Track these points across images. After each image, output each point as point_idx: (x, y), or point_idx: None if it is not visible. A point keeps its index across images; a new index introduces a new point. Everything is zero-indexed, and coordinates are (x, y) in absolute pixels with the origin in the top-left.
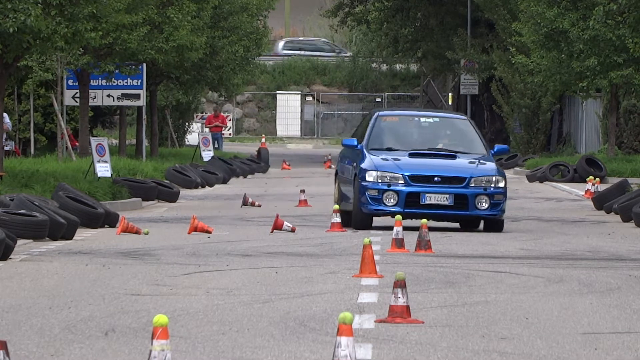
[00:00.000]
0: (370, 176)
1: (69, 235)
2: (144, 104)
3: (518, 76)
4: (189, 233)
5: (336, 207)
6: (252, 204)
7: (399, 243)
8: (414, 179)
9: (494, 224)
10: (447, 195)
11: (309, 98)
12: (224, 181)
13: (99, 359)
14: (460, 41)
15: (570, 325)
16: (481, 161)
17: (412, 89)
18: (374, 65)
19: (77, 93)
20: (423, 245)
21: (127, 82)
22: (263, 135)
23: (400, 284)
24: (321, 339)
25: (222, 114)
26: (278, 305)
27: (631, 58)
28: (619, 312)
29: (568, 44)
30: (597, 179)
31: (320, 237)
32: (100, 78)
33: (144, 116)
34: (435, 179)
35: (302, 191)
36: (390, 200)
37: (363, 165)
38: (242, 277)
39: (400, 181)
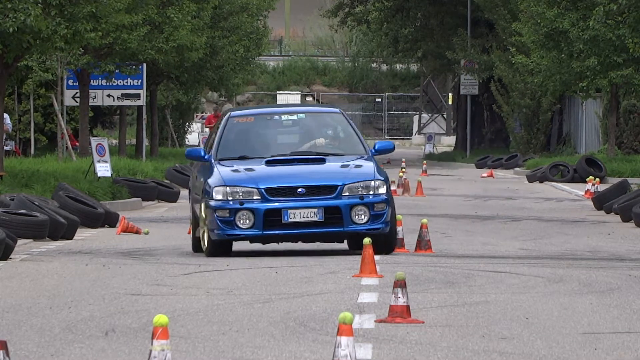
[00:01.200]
0: (218, 193)
1: (69, 235)
2: (144, 104)
3: (518, 76)
4: (189, 233)
5: None
6: None
7: (399, 243)
8: (273, 192)
9: (380, 241)
10: (315, 210)
11: (309, 98)
12: None
13: (99, 359)
14: (460, 41)
15: (570, 325)
16: (357, 164)
17: (412, 89)
18: (374, 65)
19: (77, 93)
20: (423, 245)
21: (127, 82)
22: None
23: (400, 284)
24: (321, 339)
25: (222, 114)
26: (278, 305)
27: (631, 58)
28: (619, 312)
29: (568, 44)
30: (597, 179)
31: None
32: (100, 78)
33: (144, 116)
34: (299, 190)
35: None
36: (244, 222)
37: (210, 181)
38: (242, 277)
39: (255, 197)
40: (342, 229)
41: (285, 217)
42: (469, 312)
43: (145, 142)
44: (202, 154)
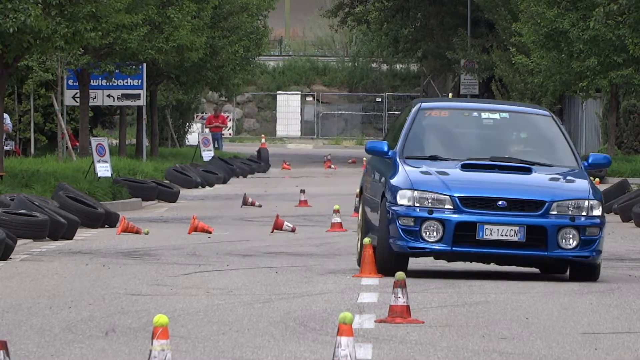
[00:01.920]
0: (404, 198)
1: (69, 235)
2: (144, 104)
3: (518, 76)
4: (189, 233)
5: (337, 207)
6: (252, 204)
7: None
8: (468, 202)
9: (586, 270)
10: (516, 228)
11: (309, 98)
12: (224, 181)
13: (99, 359)
14: (461, 41)
15: (570, 325)
16: (568, 177)
17: (412, 89)
18: (374, 65)
19: (77, 93)
20: None
21: (127, 82)
22: (263, 135)
23: (400, 284)
24: (321, 339)
25: (222, 114)
26: (278, 305)
27: (631, 58)
28: (619, 312)
29: (568, 44)
30: (597, 179)
31: (321, 237)
32: (100, 78)
33: (144, 116)
34: (500, 203)
35: (302, 191)
36: (432, 234)
37: (394, 182)
38: (242, 277)
39: (447, 205)
40: (545, 252)
41: (481, 233)
42: (469, 312)
43: (145, 142)
44: (385, 148)
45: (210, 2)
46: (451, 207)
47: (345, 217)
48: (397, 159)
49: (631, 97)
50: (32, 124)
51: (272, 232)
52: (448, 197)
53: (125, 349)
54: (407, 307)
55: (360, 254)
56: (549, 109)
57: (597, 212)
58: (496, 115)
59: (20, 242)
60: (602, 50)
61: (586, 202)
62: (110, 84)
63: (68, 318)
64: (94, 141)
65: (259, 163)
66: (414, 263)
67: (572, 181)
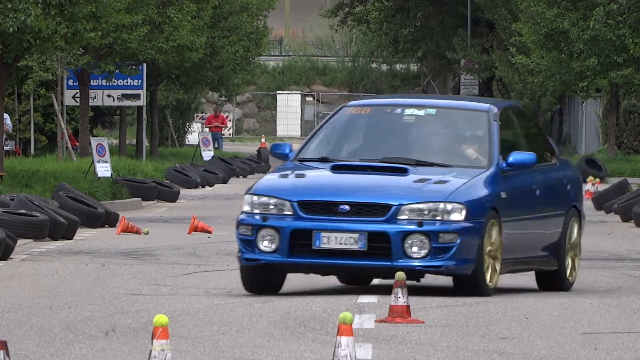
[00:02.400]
0: (246, 204)
1: (69, 235)
2: (144, 104)
3: (518, 76)
4: (189, 233)
5: None
6: None
7: None
8: (308, 207)
9: (463, 282)
10: (356, 235)
11: (309, 98)
12: (224, 181)
13: (99, 359)
14: (461, 41)
15: (570, 325)
16: (445, 178)
17: (412, 89)
18: (374, 65)
19: (77, 93)
20: None
21: (127, 82)
22: (263, 135)
23: (400, 284)
24: (321, 338)
25: (222, 114)
26: (278, 305)
27: (631, 58)
28: (619, 312)
29: (568, 44)
30: (597, 179)
31: None
32: (100, 78)
33: (144, 116)
34: (341, 207)
35: None
36: (267, 244)
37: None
38: None
39: (287, 211)
40: (389, 263)
41: (317, 242)
42: (469, 312)
43: (145, 142)
44: (287, 150)
45: (210, 2)
46: (290, 213)
47: None
48: (288, 161)
49: (631, 97)
50: (32, 124)
51: None
52: (287, 202)
53: (125, 349)
54: (407, 307)
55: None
56: (549, 110)
57: (457, 216)
58: (421, 112)
59: (20, 242)
60: (602, 50)
61: (441, 205)
62: (110, 84)
63: (68, 318)
64: (94, 141)
65: (259, 163)
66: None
67: (445, 182)
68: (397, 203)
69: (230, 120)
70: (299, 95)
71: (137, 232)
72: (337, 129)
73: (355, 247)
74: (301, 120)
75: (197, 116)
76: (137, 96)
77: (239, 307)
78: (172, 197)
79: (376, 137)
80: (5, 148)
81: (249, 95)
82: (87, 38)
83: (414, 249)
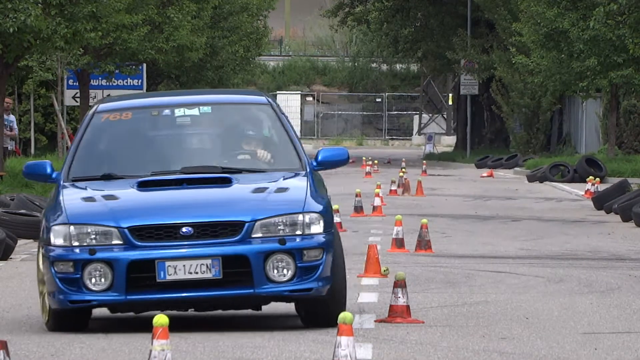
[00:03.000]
0: (59, 236)
1: None
2: None
3: (518, 76)
4: None
5: (336, 207)
6: None
7: (399, 243)
8: (143, 233)
9: (318, 308)
10: (208, 261)
11: (309, 98)
12: None
13: (99, 359)
14: (460, 41)
15: (570, 325)
16: (281, 185)
17: (412, 89)
18: (374, 65)
19: (77, 93)
20: (423, 245)
21: (127, 82)
22: None
23: (400, 284)
24: (321, 338)
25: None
26: (278, 305)
27: (631, 58)
28: (619, 312)
29: (568, 44)
30: (597, 179)
31: None
32: (100, 78)
33: None
34: (184, 230)
35: None
36: (98, 280)
37: (50, 216)
38: None
39: (116, 240)
40: (251, 290)
41: (162, 274)
42: (469, 312)
43: None
44: (48, 170)
45: (210, 2)
46: (121, 242)
47: (345, 217)
48: (60, 183)
49: (631, 97)
50: (32, 124)
51: None
52: (115, 229)
53: (125, 349)
54: (407, 307)
55: (47, 315)
56: (549, 110)
57: (317, 227)
58: (194, 111)
59: (20, 242)
60: (602, 50)
61: (300, 216)
62: (110, 84)
63: None
64: None
65: None
66: (416, 265)
67: (285, 189)
68: (249, 219)
69: None
70: (299, 95)
71: None
72: (101, 140)
73: (208, 275)
74: (301, 120)
75: None
76: None
77: None
78: None
79: (157, 145)
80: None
81: None
82: (87, 38)
83: (278, 271)
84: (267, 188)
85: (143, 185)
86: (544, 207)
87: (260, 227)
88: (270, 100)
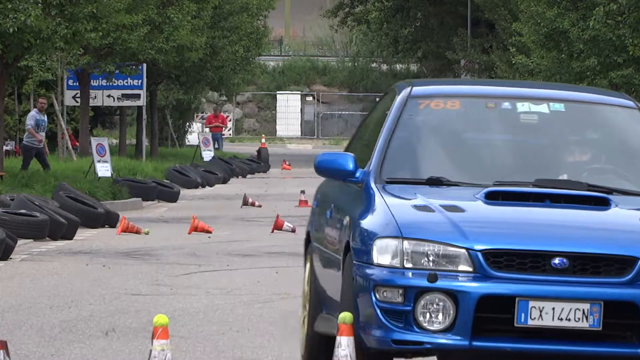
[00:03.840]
0: (385, 252)
1: (69, 235)
2: (144, 104)
3: (518, 76)
4: (189, 233)
5: None
6: (253, 204)
7: None
8: (501, 261)
9: None
10: (585, 306)
11: (309, 98)
12: (224, 181)
13: (99, 359)
14: (461, 41)
15: None
16: None
17: None
18: (374, 65)
19: (77, 93)
20: None
21: (127, 82)
22: (263, 135)
23: None
24: None
25: (222, 114)
26: (278, 305)
27: (631, 58)
28: None
29: (568, 44)
30: None
31: None
32: (100, 78)
33: (144, 116)
34: (557, 261)
35: (303, 192)
36: (436, 317)
37: (366, 224)
38: (242, 277)
39: (463, 266)
40: (634, 349)
41: (523, 316)
42: None
43: (145, 142)
44: (351, 166)
45: (210, 2)
46: (470, 269)
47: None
48: (372, 185)
49: (631, 97)
50: None
51: (273, 232)
52: (464, 250)
53: (125, 349)
54: None
55: (306, 348)
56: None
57: None
58: (542, 107)
59: (20, 242)
60: (602, 50)
61: None
62: (110, 84)
63: (68, 318)
64: (94, 141)
65: (259, 163)
66: None
67: None
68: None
69: (230, 121)
70: (299, 95)
71: (138, 232)
72: (421, 133)
73: (584, 324)
74: (301, 120)
75: (197, 116)
76: (137, 96)
77: (239, 307)
78: (173, 197)
79: (498, 147)
80: (5, 148)
81: (249, 95)
82: (87, 38)
83: None
84: None
85: (492, 197)
86: None
87: None
88: (637, 104)
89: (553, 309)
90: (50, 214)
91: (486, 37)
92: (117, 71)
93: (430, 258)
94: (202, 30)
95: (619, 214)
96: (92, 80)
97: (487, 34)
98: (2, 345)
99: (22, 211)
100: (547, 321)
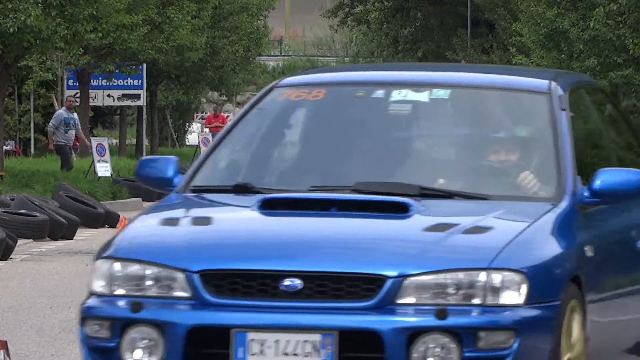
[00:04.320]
0: (100, 277)
1: (69, 235)
2: (144, 104)
3: None
4: None
5: None
6: None
7: None
8: (222, 284)
9: None
10: (317, 337)
11: None
12: None
13: None
14: (461, 41)
15: None
16: (483, 223)
17: None
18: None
19: (77, 93)
20: None
21: (127, 82)
22: None
23: None
24: None
25: (222, 114)
26: None
27: (631, 58)
28: None
29: (568, 44)
30: None
31: None
32: (100, 78)
33: (144, 116)
34: (287, 283)
35: None
36: (144, 355)
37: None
38: None
39: (178, 292)
40: None
41: (240, 352)
42: None
43: (145, 142)
44: (170, 173)
45: (210, 2)
46: (187, 295)
47: None
48: (173, 195)
49: (631, 97)
50: (32, 124)
51: None
52: (181, 272)
53: None
54: None
55: None
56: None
57: (511, 297)
58: (422, 96)
59: (20, 242)
60: (602, 50)
61: (482, 276)
62: (111, 84)
63: (68, 318)
64: (94, 141)
65: None
66: None
67: (483, 230)
68: (395, 273)
69: (230, 120)
70: None
71: None
72: (271, 129)
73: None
74: None
75: (197, 116)
76: (137, 96)
77: None
78: None
79: (335, 146)
80: (5, 148)
81: (249, 95)
82: (87, 39)
83: None
84: (455, 225)
85: (268, 206)
86: None
87: (413, 289)
88: (552, 87)
89: (276, 341)
90: (50, 214)
91: (486, 37)
92: (117, 71)
93: (146, 283)
94: (202, 30)
95: (404, 223)
96: (92, 80)
97: (487, 34)
98: (2, 345)
99: (22, 211)
100: (270, 357)
